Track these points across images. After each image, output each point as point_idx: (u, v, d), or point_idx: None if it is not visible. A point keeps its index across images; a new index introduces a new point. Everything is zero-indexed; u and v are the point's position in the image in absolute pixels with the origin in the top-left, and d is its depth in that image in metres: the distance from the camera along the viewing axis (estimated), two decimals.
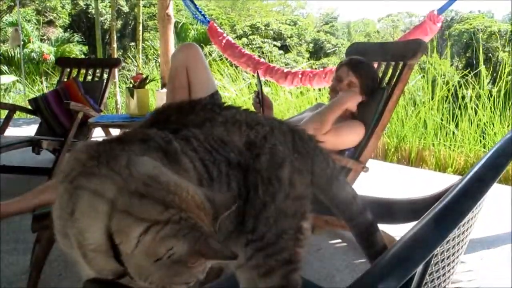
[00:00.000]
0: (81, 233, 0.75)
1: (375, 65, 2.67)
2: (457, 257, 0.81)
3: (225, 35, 5.94)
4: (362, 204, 1.12)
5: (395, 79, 2.49)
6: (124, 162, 0.78)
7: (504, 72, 5.24)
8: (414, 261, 0.62)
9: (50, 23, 18.35)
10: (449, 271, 0.79)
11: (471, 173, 0.67)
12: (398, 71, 2.49)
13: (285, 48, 17.04)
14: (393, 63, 2.57)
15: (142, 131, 0.94)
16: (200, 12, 6.17)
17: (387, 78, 2.58)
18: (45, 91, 9.04)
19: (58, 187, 0.80)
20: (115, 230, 0.72)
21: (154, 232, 0.71)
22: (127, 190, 0.74)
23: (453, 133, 5.31)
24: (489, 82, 5.57)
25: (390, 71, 2.57)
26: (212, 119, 1.01)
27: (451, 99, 5.52)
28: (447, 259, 0.75)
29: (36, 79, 11.82)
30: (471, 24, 18.88)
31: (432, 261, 0.69)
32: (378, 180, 3.67)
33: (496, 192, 3.59)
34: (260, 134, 1.01)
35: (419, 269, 0.67)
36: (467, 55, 17.03)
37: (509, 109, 5.13)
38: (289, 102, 6.84)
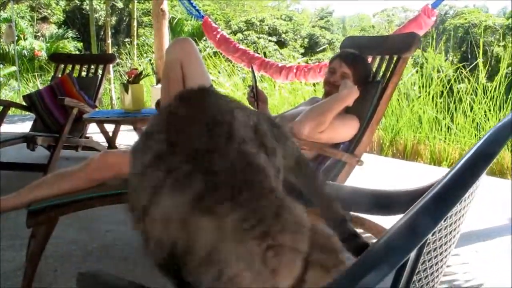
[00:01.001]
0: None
1: (370, 59, 2.67)
2: (450, 246, 0.82)
3: (219, 30, 5.93)
4: (334, 191, 1.20)
5: (389, 72, 2.49)
6: (293, 212, 0.85)
7: (501, 66, 5.26)
8: (406, 247, 0.62)
9: (44, 19, 18.27)
10: (441, 260, 0.80)
11: (462, 161, 0.68)
12: (393, 64, 2.49)
13: (280, 44, 17.02)
14: (387, 56, 2.57)
15: (225, 148, 0.91)
16: (195, 7, 6.16)
17: (381, 72, 2.58)
18: (40, 87, 8.99)
19: (240, 242, 0.80)
20: (309, 282, 0.79)
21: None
22: (318, 244, 0.82)
23: (448, 127, 5.33)
24: (484, 76, 5.59)
25: (385, 64, 2.58)
26: (229, 103, 1.03)
27: (446, 94, 5.54)
28: (439, 248, 0.76)
29: (32, 75, 11.77)
30: (466, 19, 18.91)
31: (425, 250, 0.69)
32: (373, 174, 3.69)
33: (490, 184, 3.62)
34: (255, 121, 1.02)
35: (412, 256, 0.68)
36: (462, 49, 17.07)
37: (505, 102, 5.15)
38: (283, 98, 6.84)
